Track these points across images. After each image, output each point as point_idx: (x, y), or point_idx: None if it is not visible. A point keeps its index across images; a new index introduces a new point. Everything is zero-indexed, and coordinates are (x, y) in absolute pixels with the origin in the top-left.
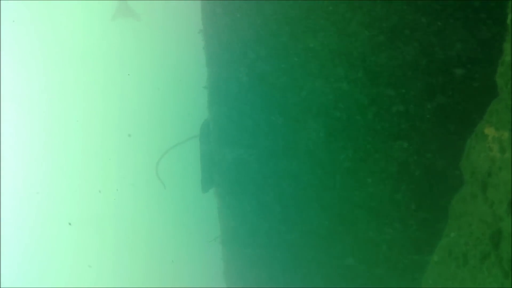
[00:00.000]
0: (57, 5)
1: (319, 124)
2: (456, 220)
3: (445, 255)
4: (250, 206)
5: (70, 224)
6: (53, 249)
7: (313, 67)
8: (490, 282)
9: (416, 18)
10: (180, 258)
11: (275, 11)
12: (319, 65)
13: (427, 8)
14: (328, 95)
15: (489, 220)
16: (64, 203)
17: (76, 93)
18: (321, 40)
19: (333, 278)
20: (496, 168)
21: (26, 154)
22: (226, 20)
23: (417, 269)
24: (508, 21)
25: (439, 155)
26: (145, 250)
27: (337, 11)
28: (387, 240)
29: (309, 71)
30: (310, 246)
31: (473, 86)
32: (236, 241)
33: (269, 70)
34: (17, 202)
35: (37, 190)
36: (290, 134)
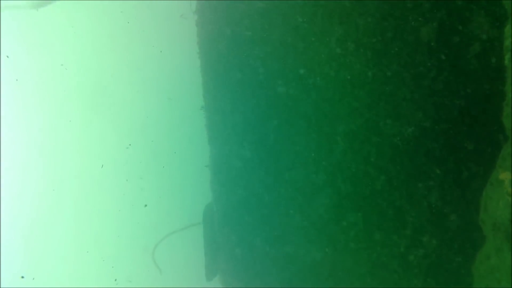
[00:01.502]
0: None
1: (327, 199)
2: (483, 281)
3: None
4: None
5: None
6: None
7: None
8: None
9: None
10: None
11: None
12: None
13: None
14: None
15: None
16: None
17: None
18: None
19: None
20: None
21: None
22: (228, 95)
23: None
24: (507, 63)
25: (453, 218)
26: None
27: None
28: None
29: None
30: None
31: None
32: None
33: (274, 145)
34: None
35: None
36: (298, 213)
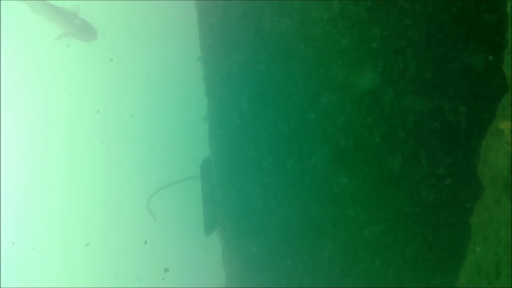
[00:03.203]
0: None
1: (326, 151)
2: (481, 232)
3: (474, 273)
4: (256, 247)
5: None
6: None
7: (317, 88)
8: None
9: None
10: None
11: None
12: (323, 87)
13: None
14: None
15: None
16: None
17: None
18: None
19: None
20: None
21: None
22: (225, 46)
23: None
24: (508, 10)
25: (452, 169)
26: None
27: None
28: (405, 267)
29: (315, 92)
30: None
31: (480, 84)
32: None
33: (271, 95)
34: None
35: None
36: (296, 165)
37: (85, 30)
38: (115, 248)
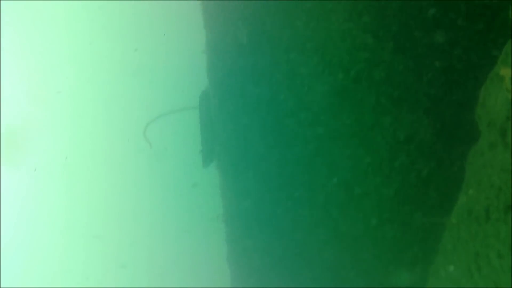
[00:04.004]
0: None
1: (325, 86)
2: (474, 176)
3: (464, 214)
4: (254, 179)
5: None
6: None
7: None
8: None
9: None
10: (181, 237)
11: None
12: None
13: None
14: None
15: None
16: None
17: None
18: None
19: (343, 248)
20: None
21: None
22: None
23: (434, 233)
24: None
25: (450, 110)
26: (143, 231)
27: None
28: (401, 203)
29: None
30: (318, 221)
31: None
32: (240, 220)
33: (272, 28)
34: None
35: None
36: (295, 97)
37: None
38: (105, 170)
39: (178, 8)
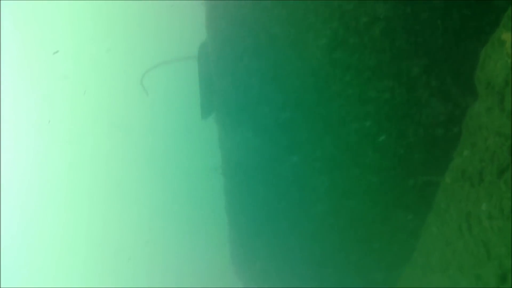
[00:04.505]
0: None
1: (324, 36)
2: (470, 137)
3: (458, 175)
4: (252, 131)
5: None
6: None
7: None
8: (508, 197)
9: None
10: (180, 188)
11: None
12: None
13: None
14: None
15: (507, 131)
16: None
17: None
18: None
19: (340, 208)
20: None
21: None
22: None
23: (428, 191)
24: None
25: (450, 70)
26: (142, 182)
27: None
28: (396, 162)
29: None
30: (316, 173)
31: None
32: (239, 172)
33: None
34: None
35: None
36: (294, 49)
37: None
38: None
39: None
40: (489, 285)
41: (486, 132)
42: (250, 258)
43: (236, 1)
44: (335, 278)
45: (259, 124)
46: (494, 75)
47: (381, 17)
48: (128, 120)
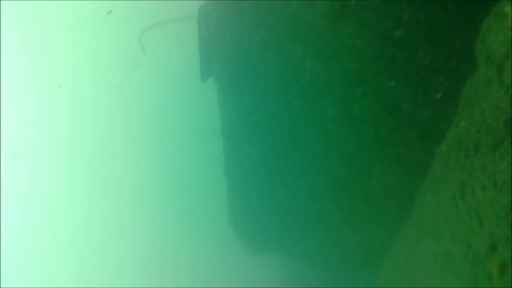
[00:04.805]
0: None
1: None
2: (468, 108)
3: (454, 145)
4: (251, 93)
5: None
6: None
7: None
8: (502, 171)
9: None
10: (179, 149)
11: None
12: None
13: None
14: None
15: (504, 105)
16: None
17: None
18: None
19: (336, 170)
20: None
21: None
22: None
23: (424, 160)
24: None
25: (451, 39)
26: (142, 143)
27: None
28: (392, 129)
29: None
30: (316, 132)
31: None
32: (237, 133)
33: None
34: None
35: None
36: (293, 13)
37: None
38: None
39: None
40: (479, 253)
41: (484, 104)
42: (248, 218)
43: None
44: (329, 235)
45: (258, 86)
46: (495, 48)
47: None
48: (128, 81)
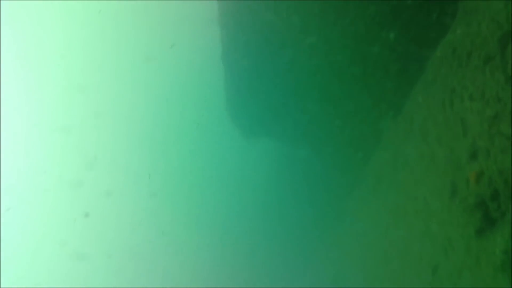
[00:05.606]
0: None
1: None
2: (466, 17)
3: (449, 51)
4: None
5: None
6: None
7: None
8: (490, 85)
9: None
10: (176, 37)
11: None
12: None
13: None
14: None
15: (502, 20)
16: None
17: None
18: None
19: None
20: None
21: None
22: None
23: (419, 61)
24: None
25: None
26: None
27: None
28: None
29: None
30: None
31: None
32: (234, 23)
33: None
34: None
35: None
36: None
37: None
38: None
39: None
40: (460, 159)
41: (482, 15)
42: (244, 104)
43: None
44: (321, 127)
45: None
46: None
47: None
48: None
